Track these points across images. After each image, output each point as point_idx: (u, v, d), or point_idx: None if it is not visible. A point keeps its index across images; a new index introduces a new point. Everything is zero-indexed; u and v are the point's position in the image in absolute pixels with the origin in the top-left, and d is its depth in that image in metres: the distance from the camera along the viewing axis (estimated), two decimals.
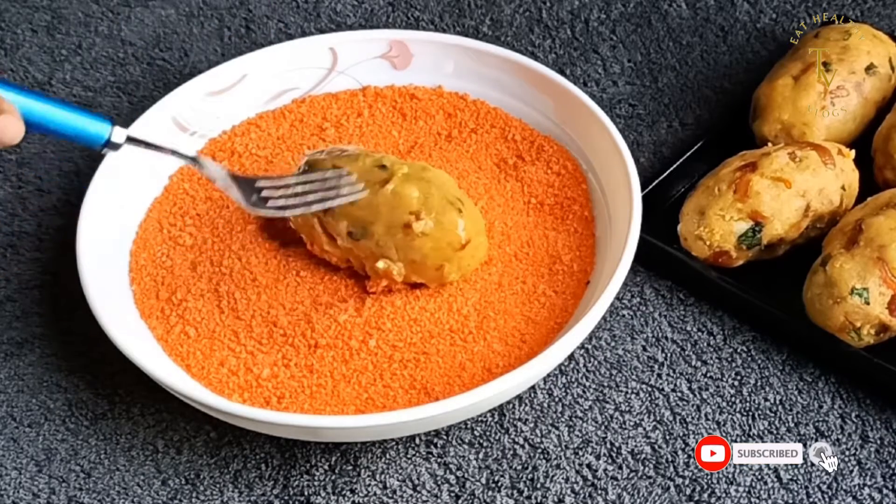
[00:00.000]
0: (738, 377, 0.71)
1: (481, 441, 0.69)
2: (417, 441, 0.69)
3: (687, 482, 0.66)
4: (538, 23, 0.95)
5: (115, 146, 0.65)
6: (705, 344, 0.73)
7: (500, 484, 0.67)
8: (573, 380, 0.71)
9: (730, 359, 0.72)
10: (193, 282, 0.72)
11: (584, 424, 0.69)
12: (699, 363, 0.72)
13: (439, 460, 0.68)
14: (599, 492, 0.66)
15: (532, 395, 0.71)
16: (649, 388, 0.71)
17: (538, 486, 0.67)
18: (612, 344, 0.73)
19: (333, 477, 0.68)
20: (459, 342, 0.69)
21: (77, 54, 0.95)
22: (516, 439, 0.69)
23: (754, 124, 0.81)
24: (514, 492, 0.66)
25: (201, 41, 0.95)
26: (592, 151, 0.77)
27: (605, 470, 0.67)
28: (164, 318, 0.71)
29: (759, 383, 0.71)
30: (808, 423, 0.69)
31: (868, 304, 0.68)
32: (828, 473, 0.66)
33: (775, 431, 0.68)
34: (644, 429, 0.69)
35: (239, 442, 0.69)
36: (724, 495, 0.66)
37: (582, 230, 0.74)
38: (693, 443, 0.68)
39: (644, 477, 0.67)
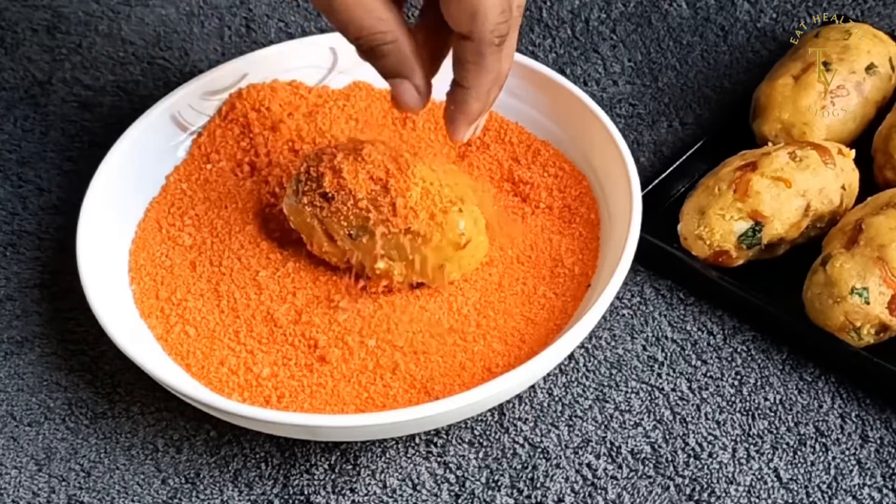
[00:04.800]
0: (738, 377, 0.71)
1: (481, 440, 0.69)
2: (417, 440, 0.69)
3: (687, 482, 0.66)
4: (538, 22, 0.96)
5: None
6: (705, 344, 0.73)
7: (499, 483, 0.67)
8: (573, 379, 0.71)
9: (730, 358, 0.72)
10: (193, 281, 0.72)
11: (584, 424, 0.69)
12: (699, 363, 0.72)
13: (439, 459, 0.68)
14: (599, 491, 0.66)
15: (532, 394, 0.71)
16: (649, 388, 0.71)
17: (538, 485, 0.67)
18: (612, 343, 0.73)
19: (333, 476, 0.68)
20: (459, 342, 0.69)
21: (77, 54, 0.95)
22: (516, 439, 0.69)
23: (754, 124, 0.81)
24: (514, 491, 0.66)
25: (201, 40, 0.95)
26: (592, 151, 0.77)
27: (604, 469, 0.67)
28: (164, 318, 0.71)
29: (759, 383, 0.71)
30: (808, 422, 0.69)
31: (868, 303, 0.68)
32: (828, 473, 0.66)
33: (775, 431, 0.68)
34: (644, 428, 0.69)
35: (239, 441, 0.69)
36: (724, 495, 0.66)
37: (587, 234, 0.74)
38: (693, 442, 0.68)
39: (644, 476, 0.67)
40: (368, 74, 0.83)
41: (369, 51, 0.64)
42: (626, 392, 0.71)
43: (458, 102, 0.65)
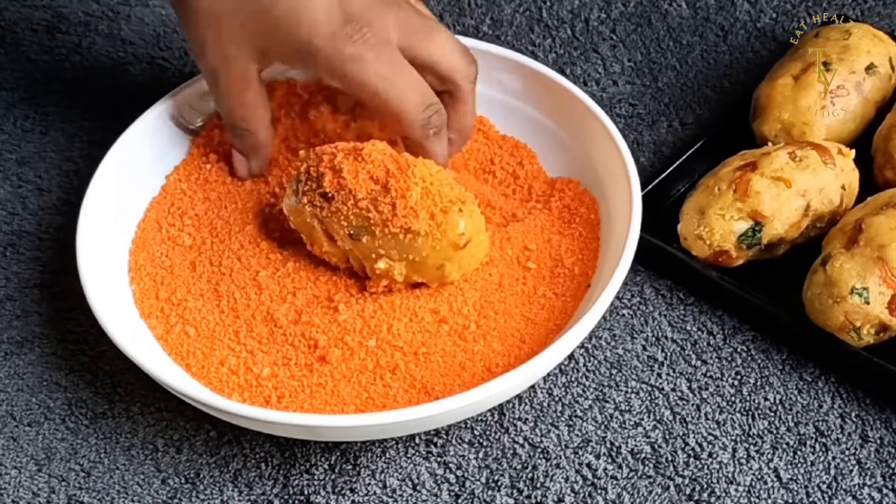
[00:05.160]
0: (738, 377, 0.71)
1: (481, 440, 0.69)
2: (417, 440, 0.69)
3: (687, 482, 0.66)
4: (538, 22, 0.96)
5: None
6: (705, 344, 0.73)
7: (499, 483, 0.67)
8: (573, 379, 0.71)
9: (730, 358, 0.72)
10: (193, 281, 0.72)
11: (584, 424, 0.69)
12: (699, 363, 0.72)
13: (439, 459, 0.68)
14: (599, 491, 0.66)
15: (532, 394, 0.71)
16: (649, 388, 0.71)
17: (538, 485, 0.67)
18: (612, 343, 0.73)
19: (333, 476, 0.68)
20: (459, 342, 0.69)
21: (77, 53, 0.95)
22: (516, 439, 0.69)
23: (754, 124, 0.81)
24: (514, 491, 0.66)
25: None
26: (592, 151, 0.77)
27: (604, 469, 0.67)
28: (164, 318, 0.71)
29: (759, 383, 0.71)
30: (808, 422, 0.69)
31: (868, 303, 0.68)
32: (828, 473, 0.66)
33: (775, 431, 0.68)
34: (644, 428, 0.69)
35: (239, 441, 0.69)
36: (723, 495, 0.66)
37: (587, 234, 0.74)
38: (693, 442, 0.68)
39: (644, 476, 0.67)
40: None
41: (229, 128, 0.75)
42: (626, 392, 0.71)
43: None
